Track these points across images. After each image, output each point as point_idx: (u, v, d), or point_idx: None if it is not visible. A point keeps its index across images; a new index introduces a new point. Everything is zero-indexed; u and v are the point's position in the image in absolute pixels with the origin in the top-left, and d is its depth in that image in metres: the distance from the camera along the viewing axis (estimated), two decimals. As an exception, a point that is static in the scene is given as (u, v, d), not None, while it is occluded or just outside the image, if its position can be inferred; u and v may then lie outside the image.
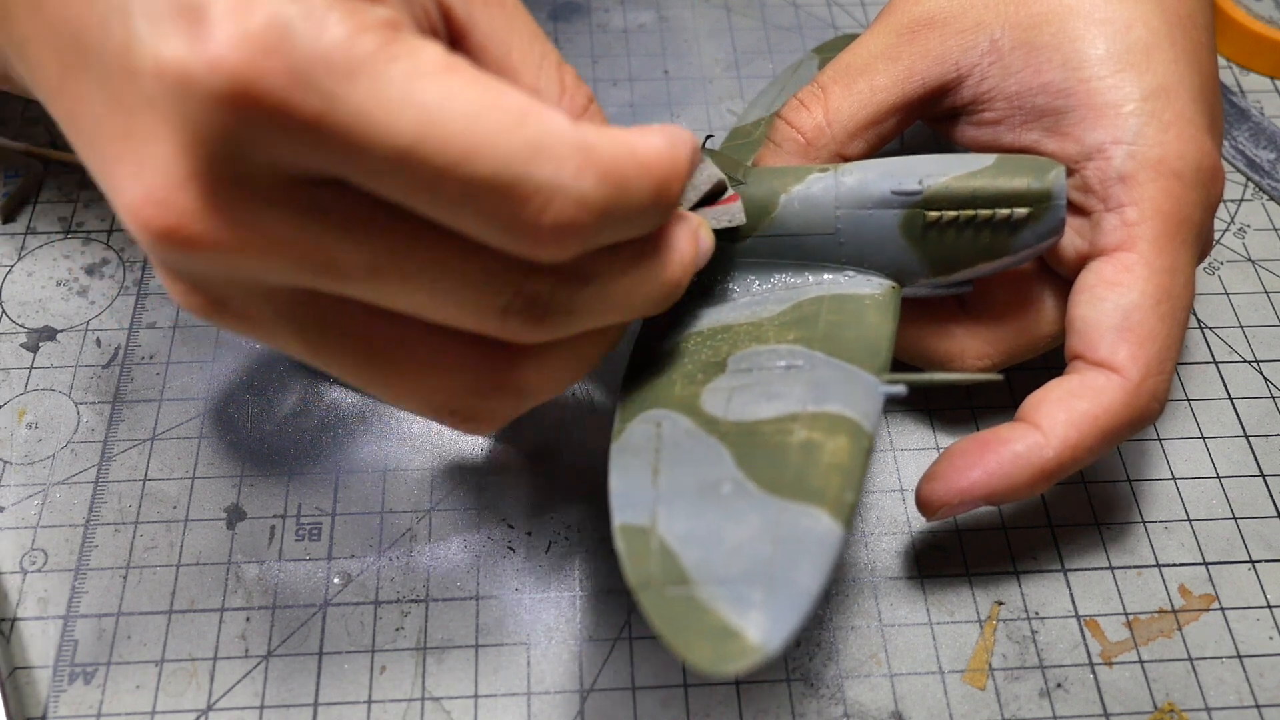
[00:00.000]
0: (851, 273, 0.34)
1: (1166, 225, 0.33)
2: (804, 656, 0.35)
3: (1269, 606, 0.37)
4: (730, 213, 0.33)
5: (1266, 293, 0.45)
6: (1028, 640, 0.36)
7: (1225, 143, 0.49)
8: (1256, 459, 0.40)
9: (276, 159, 0.22)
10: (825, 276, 0.34)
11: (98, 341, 0.42)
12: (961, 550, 0.37)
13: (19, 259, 0.44)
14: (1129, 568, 0.37)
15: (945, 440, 0.40)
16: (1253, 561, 0.38)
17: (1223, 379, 0.42)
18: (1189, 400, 0.42)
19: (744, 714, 0.34)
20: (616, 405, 0.32)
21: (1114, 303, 0.33)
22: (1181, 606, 0.37)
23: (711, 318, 0.34)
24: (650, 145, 0.24)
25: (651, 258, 0.28)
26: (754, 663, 0.24)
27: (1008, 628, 0.36)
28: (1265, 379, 0.42)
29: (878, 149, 0.37)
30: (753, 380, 0.31)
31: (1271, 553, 0.38)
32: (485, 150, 0.22)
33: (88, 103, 0.23)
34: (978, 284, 0.37)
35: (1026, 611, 0.36)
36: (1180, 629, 0.36)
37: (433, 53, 0.22)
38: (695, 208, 0.32)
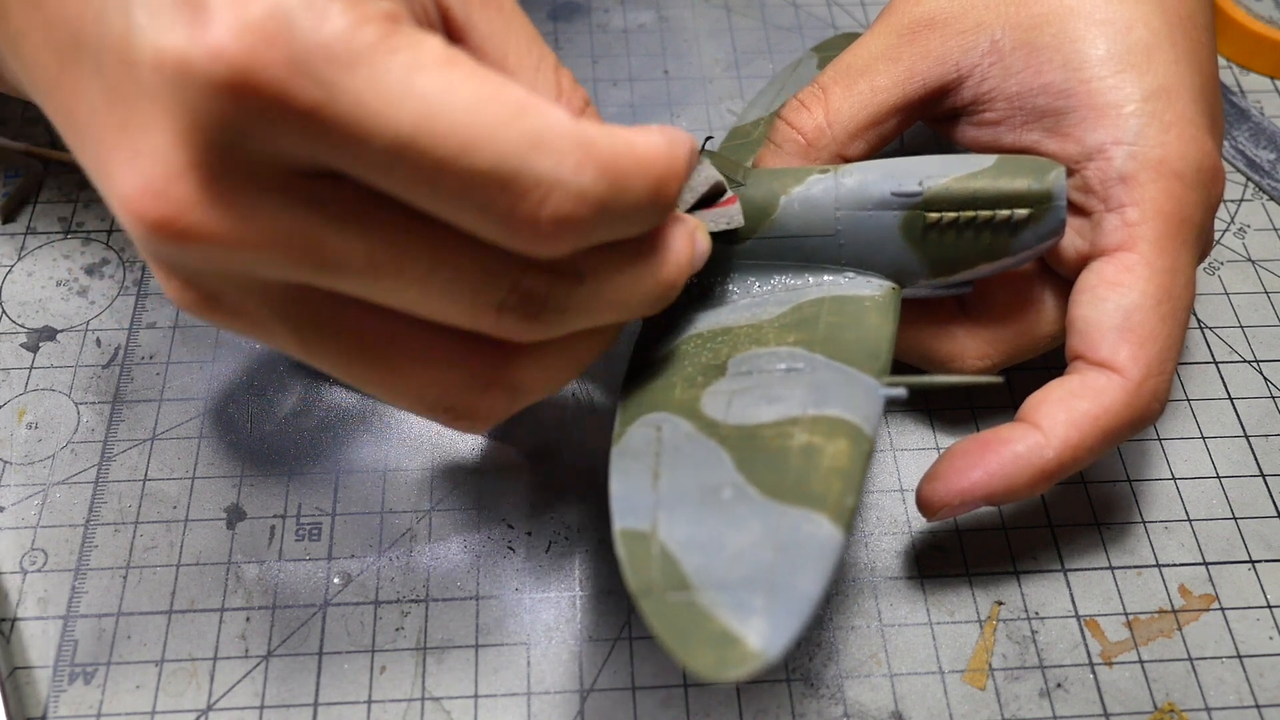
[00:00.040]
0: (851, 274, 0.34)
1: (1167, 225, 0.33)
2: (804, 656, 0.35)
3: (1269, 606, 0.37)
4: (728, 215, 0.32)
5: (1266, 293, 0.45)
6: (1028, 640, 0.36)
7: (1225, 143, 0.49)
8: (1256, 459, 0.40)
9: (275, 150, 0.21)
10: (825, 278, 0.34)
11: (98, 341, 0.42)
12: (961, 550, 0.37)
13: (19, 259, 0.44)
14: (1129, 568, 0.37)
15: (945, 441, 0.40)
16: (1253, 561, 0.38)
17: (1223, 379, 0.42)
18: (1189, 400, 0.42)
19: (744, 714, 0.34)
20: (617, 407, 0.32)
21: (1115, 303, 0.33)
22: (1181, 606, 0.37)
23: (711, 320, 0.34)
24: (649, 143, 0.24)
25: (648, 258, 0.28)
26: (755, 669, 0.24)
27: (1008, 628, 0.36)
28: (1265, 379, 0.42)
29: (878, 150, 0.37)
30: (753, 383, 0.31)
31: (1271, 553, 0.38)
32: (485, 142, 0.22)
33: (84, 96, 0.23)
34: (978, 285, 0.37)
35: (1026, 611, 0.36)
36: (1180, 629, 0.36)
37: (433, 45, 0.22)
38: (693, 209, 0.32)
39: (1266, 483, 0.39)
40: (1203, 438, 0.41)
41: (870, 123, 0.36)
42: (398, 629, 0.36)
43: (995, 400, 0.41)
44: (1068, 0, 0.35)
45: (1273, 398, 0.42)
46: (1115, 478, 0.39)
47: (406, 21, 0.22)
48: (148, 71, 0.21)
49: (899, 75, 0.36)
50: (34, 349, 0.42)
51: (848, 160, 0.37)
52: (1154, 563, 0.37)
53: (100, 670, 0.35)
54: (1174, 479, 0.39)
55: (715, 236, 0.32)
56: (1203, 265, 0.45)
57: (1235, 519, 0.39)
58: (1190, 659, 0.35)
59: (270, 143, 0.21)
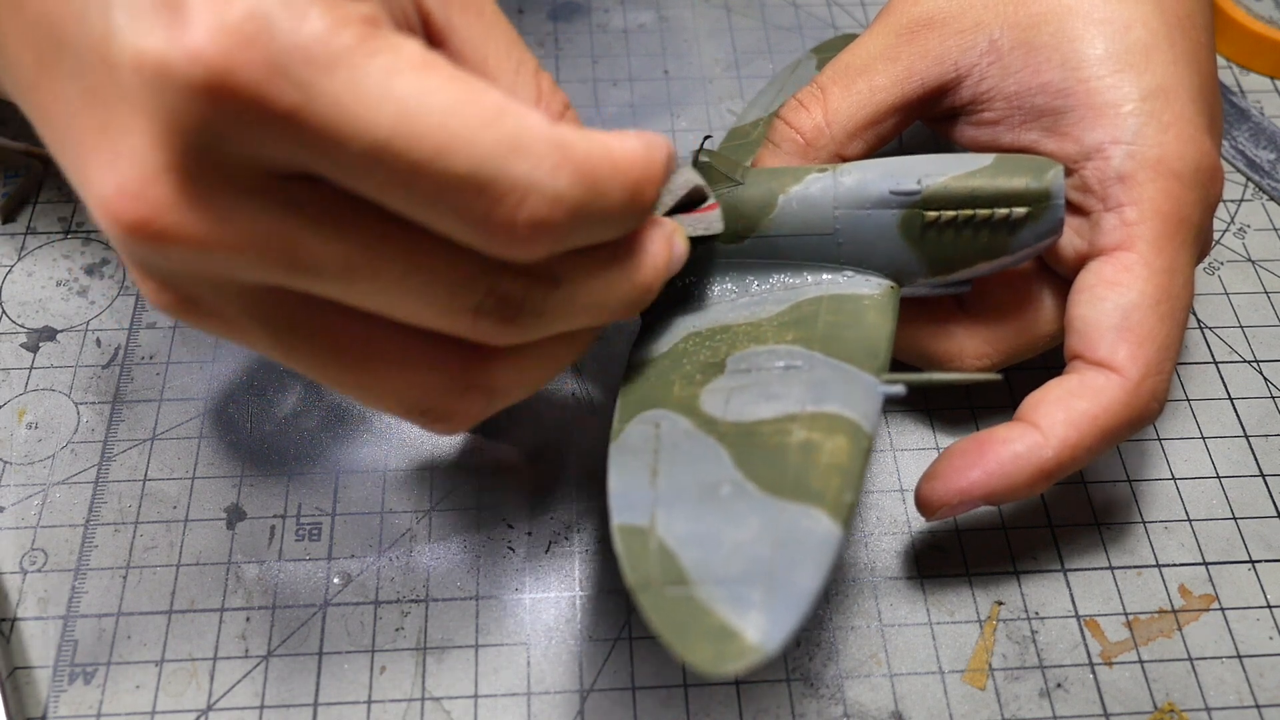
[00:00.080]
0: (850, 273, 0.34)
1: (1166, 225, 0.33)
2: (804, 656, 0.35)
3: (1269, 606, 0.37)
4: (707, 221, 0.33)
5: (1266, 293, 0.45)
6: (1028, 640, 0.36)
7: (1225, 143, 0.49)
8: (1256, 459, 0.40)
9: (253, 152, 0.21)
10: (824, 277, 0.34)
11: (98, 341, 0.42)
12: (961, 550, 0.37)
13: (19, 259, 0.44)
14: (1129, 568, 0.37)
15: (945, 440, 0.40)
16: (1253, 561, 0.37)
17: (1223, 379, 0.42)
18: (1189, 400, 0.42)
19: (744, 714, 0.34)
20: (615, 405, 0.32)
21: (1113, 302, 0.33)
22: (1181, 606, 0.37)
23: (710, 318, 0.34)
24: (626, 148, 0.25)
25: (624, 261, 0.28)
26: (753, 663, 0.24)
27: (1008, 628, 0.36)
28: (1265, 379, 0.42)
29: (877, 149, 0.37)
30: (751, 381, 0.31)
31: (1271, 553, 0.38)
32: (461, 146, 0.22)
33: (63, 97, 0.23)
34: (976, 284, 0.37)
35: (1026, 611, 0.36)
36: (1180, 629, 0.36)
37: (412, 49, 0.22)
38: (673, 214, 0.32)
39: (1266, 483, 0.39)
40: (1203, 438, 0.41)
41: (869, 122, 0.36)
42: (398, 629, 0.36)
43: (994, 400, 0.41)
44: (1066, 0, 0.35)
45: (1273, 398, 0.42)
46: (1115, 478, 0.39)
47: (386, 25, 0.22)
48: (127, 73, 0.21)
49: (897, 75, 0.36)
50: (34, 349, 0.42)
51: (846, 159, 0.37)
52: (1154, 563, 0.37)
53: (100, 670, 0.35)
54: (1174, 479, 0.39)
55: (693, 241, 0.32)
56: (1203, 265, 0.45)
57: (1235, 519, 0.38)
58: (1190, 659, 0.35)
59: (248, 145, 0.21)
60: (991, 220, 0.33)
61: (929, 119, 0.38)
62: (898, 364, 0.39)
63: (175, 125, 0.21)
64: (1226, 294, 0.45)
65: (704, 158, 0.34)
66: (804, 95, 0.37)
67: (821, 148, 0.36)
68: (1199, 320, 0.44)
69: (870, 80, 0.36)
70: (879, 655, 0.35)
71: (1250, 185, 0.48)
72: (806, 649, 0.35)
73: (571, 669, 0.35)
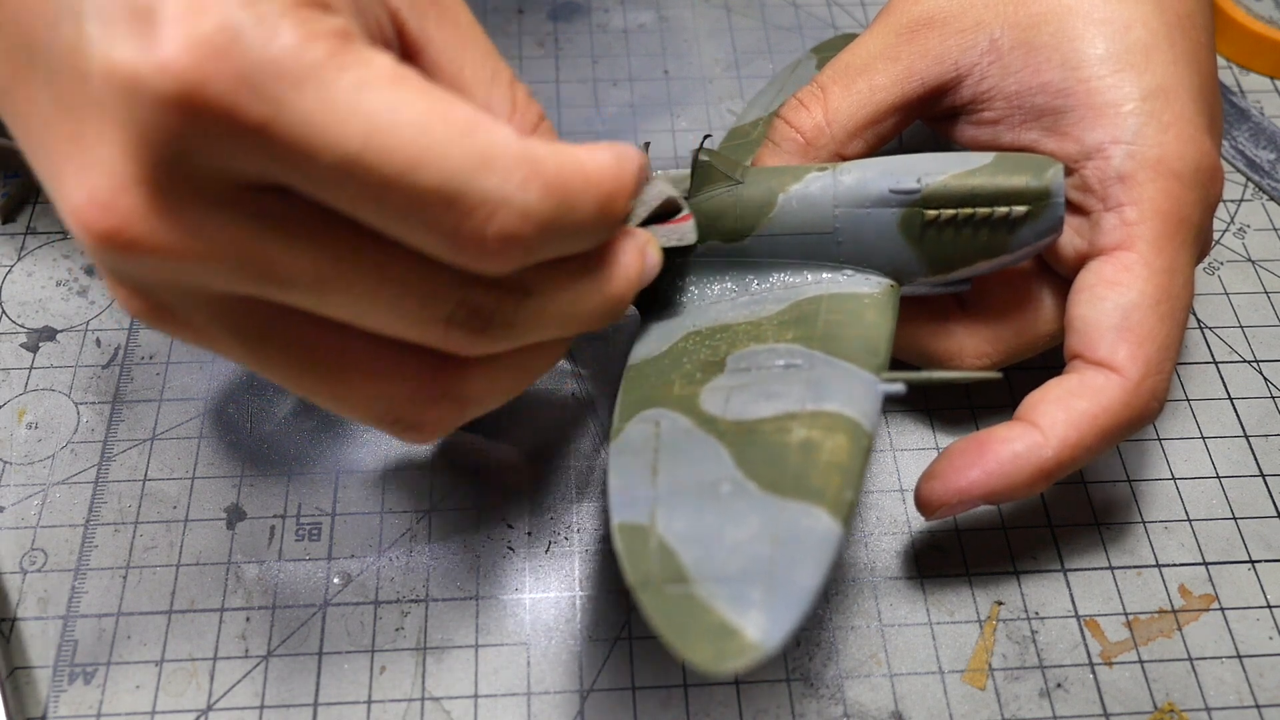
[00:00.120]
0: (850, 271, 0.34)
1: (1165, 225, 0.33)
2: (804, 656, 0.35)
3: (1269, 606, 0.37)
4: (680, 232, 0.33)
5: (1266, 293, 0.45)
6: (1028, 640, 0.36)
7: (1225, 143, 0.49)
8: (1256, 459, 0.40)
9: (223, 164, 0.22)
10: (824, 275, 0.34)
11: (98, 341, 0.42)
12: (961, 550, 0.37)
13: (19, 259, 0.44)
14: (1129, 568, 0.37)
15: (945, 440, 0.40)
16: (1253, 561, 0.37)
17: (1223, 379, 0.42)
18: (1189, 400, 0.41)
19: (744, 714, 0.34)
20: (615, 405, 0.32)
21: (1113, 302, 0.33)
22: (1181, 606, 0.37)
23: (710, 317, 0.34)
24: (597, 161, 0.25)
25: (596, 272, 0.28)
26: (753, 661, 0.24)
27: (1008, 628, 0.36)
28: (1265, 379, 0.42)
29: (877, 149, 0.37)
30: (751, 379, 0.31)
31: (1271, 553, 0.38)
32: (431, 160, 0.22)
33: (36, 104, 0.23)
34: (976, 283, 0.37)
35: (1026, 611, 0.36)
36: (1180, 629, 0.36)
37: (382, 63, 0.22)
38: (647, 225, 0.32)
39: (1266, 483, 0.39)
40: (1203, 438, 0.41)
41: (869, 122, 0.36)
42: (398, 629, 0.36)
43: (994, 399, 0.41)
44: (1066, 0, 0.35)
45: (1273, 398, 0.42)
46: (1115, 478, 0.39)
47: (357, 38, 0.22)
48: (98, 83, 0.21)
49: (898, 74, 0.36)
50: (34, 349, 0.42)
51: (846, 159, 0.37)
52: (1154, 563, 0.37)
53: (100, 670, 0.35)
54: (1174, 479, 0.39)
55: (669, 251, 0.32)
56: (1203, 265, 0.45)
57: (1235, 519, 0.38)
58: (1190, 659, 0.35)
59: (218, 157, 0.21)
60: (991, 219, 0.33)
61: (929, 118, 0.38)
62: (898, 363, 0.39)
63: (146, 137, 0.21)
64: (1226, 294, 0.45)
65: (704, 157, 0.34)
66: (804, 94, 0.37)
67: (822, 147, 0.36)
68: (1199, 320, 0.44)
69: (870, 80, 0.37)
70: (879, 655, 0.35)
71: (1250, 185, 0.48)
72: (806, 649, 0.35)
73: (571, 669, 0.35)
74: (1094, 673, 0.35)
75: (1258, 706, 0.34)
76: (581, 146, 0.25)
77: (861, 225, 0.33)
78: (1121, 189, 0.33)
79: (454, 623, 0.36)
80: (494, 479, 0.39)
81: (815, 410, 0.29)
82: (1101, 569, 0.37)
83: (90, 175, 0.22)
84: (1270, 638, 0.36)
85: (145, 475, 0.39)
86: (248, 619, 0.36)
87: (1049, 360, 0.39)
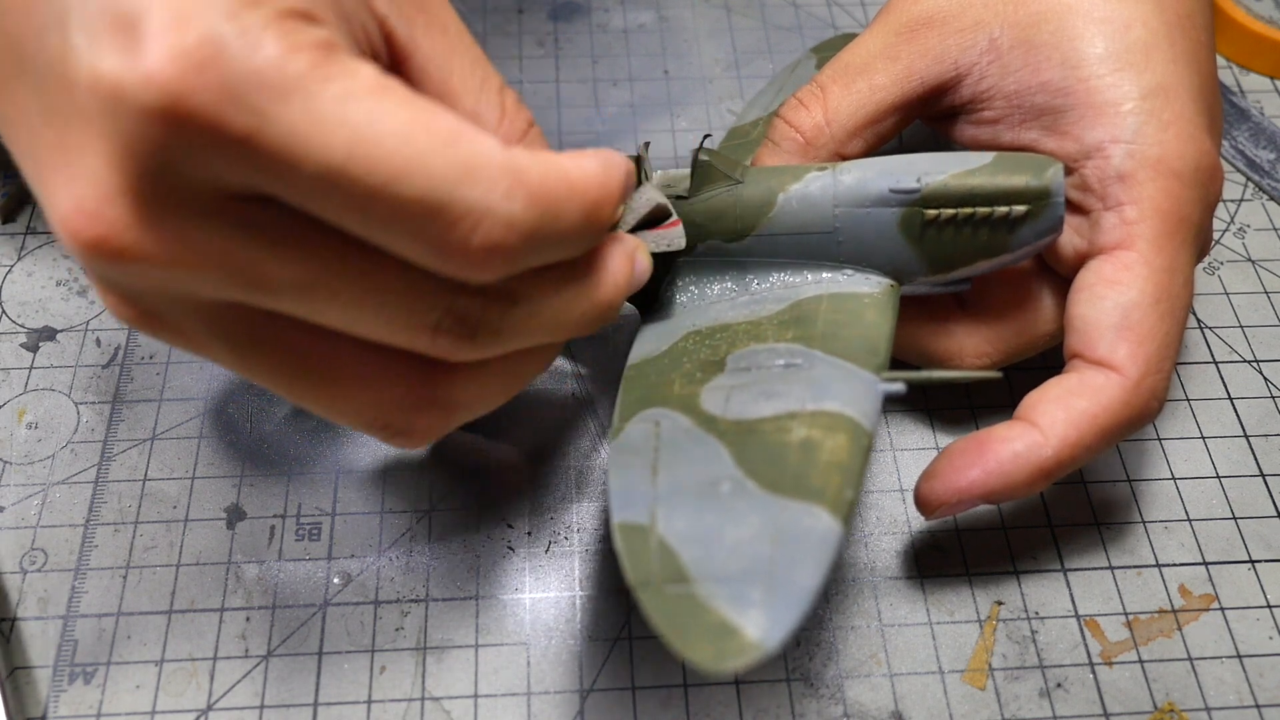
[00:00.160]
0: (850, 271, 0.34)
1: (1165, 224, 0.33)
2: (804, 656, 0.35)
3: (1269, 606, 0.37)
4: (669, 238, 0.33)
5: (1266, 293, 0.45)
6: (1028, 640, 0.36)
7: (1225, 143, 0.49)
8: (1256, 459, 0.40)
9: (208, 175, 0.22)
10: (824, 275, 0.34)
11: (98, 341, 0.42)
12: (961, 550, 0.37)
13: (19, 259, 0.44)
14: (1129, 568, 0.37)
15: (945, 440, 0.40)
16: (1253, 561, 0.37)
17: (1223, 379, 0.42)
18: (1189, 400, 0.41)
19: (744, 714, 0.34)
20: (615, 404, 0.32)
21: (1113, 301, 0.33)
22: (1181, 606, 0.36)
23: (710, 317, 0.34)
24: (582, 169, 0.25)
25: (583, 279, 0.28)
26: (753, 660, 0.24)
27: (1008, 628, 0.36)
28: (1265, 379, 0.42)
29: (876, 148, 0.37)
30: (751, 379, 0.31)
31: (1271, 553, 0.38)
32: (415, 171, 0.22)
33: (25, 112, 0.23)
34: (976, 282, 0.37)
35: (1026, 611, 0.36)
36: (1180, 629, 0.36)
37: (366, 74, 0.22)
38: (636, 231, 0.32)
39: (1266, 483, 0.39)
40: (1203, 438, 0.41)
41: (869, 121, 0.36)
42: (398, 629, 0.36)
43: (994, 399, 0.41)
44: (1066, -1, 0.35)
45: (1273, 398, 0.42)
46: (1115, 478, 0.39)
47: (342, 49, 0.22)
48: (83, 94, 0.21)
49: (897, 74, 0.36)
50: (34, 349, 0.42)
51: (846, 158, 0.37)
52: (1154, 563, 0.37)
53: (100, 670, 0.35)
54: (1174, 479, 0.39)
55: (658, 257, 0.32)
56: (1203, 265, 0.45)
57: (1235, 519, 0.38)
58: (1190, 659, 0.35)
59: (203, 168, 0.21)
60: (991, 218, 0.33)
61: (929, 118, 0.38)
62: (898, 362, 0.39)
63: (131, 147, 0.21)
64: (1226, 294, 0.45)
65: (704, 157, 0.34)
66: (804, 94, 0.37)
67: (821, 146, 0.36)
68: (1199, 320, 0.44)
69: (870, 79, 0.37)
70: (879, 655, 0.35)
71: (1250, 185, 0.48)
72: (806, 649, 0.35)
73: (571, 669, 0.35)
74: (1094, 673, 0.35)
75: (1258, 706, 0.34)
76: (567, 155, 0.25)
77: (861, 225, 0.33)
78: (1121, 188, 0.33)
79: (454, 623, 0.36)
80: (494, 479, 0.39)
81: (815, 410, 0.29)
82: (1101, 569, 0.37)
83: (77, 184, 0.22)
84: (1270, 638, 0.36)
85: (145, 475, 0.39)
86: (248, 619, 0.36)
87: (1049, 360, 0.39)
